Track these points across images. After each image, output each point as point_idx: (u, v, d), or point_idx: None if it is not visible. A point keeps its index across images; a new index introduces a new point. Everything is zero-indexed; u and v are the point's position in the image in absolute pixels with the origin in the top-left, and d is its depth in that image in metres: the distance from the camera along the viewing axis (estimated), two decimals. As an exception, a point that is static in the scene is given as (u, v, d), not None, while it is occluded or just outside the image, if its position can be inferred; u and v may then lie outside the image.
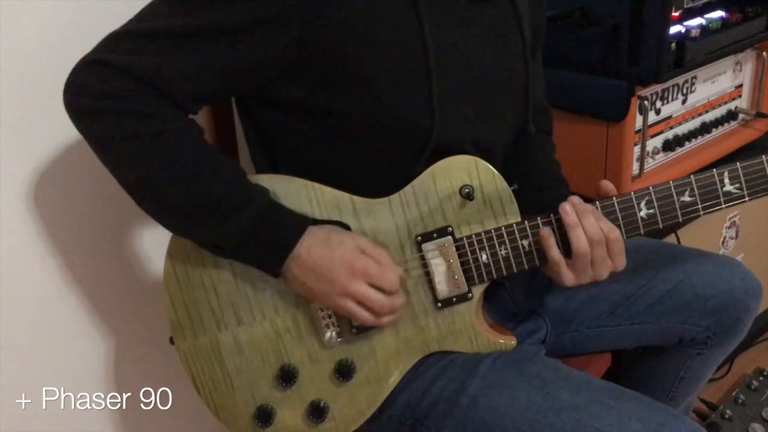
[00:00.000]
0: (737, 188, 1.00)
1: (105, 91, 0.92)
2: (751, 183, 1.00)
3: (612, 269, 1.02)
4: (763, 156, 1.00)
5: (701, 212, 1.01)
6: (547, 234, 1.02)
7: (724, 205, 1.01)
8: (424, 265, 1.05)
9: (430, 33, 0.98)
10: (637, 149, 1.55)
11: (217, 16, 0.92)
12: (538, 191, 1.16)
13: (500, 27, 1.09)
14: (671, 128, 1.63)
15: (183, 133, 0.96)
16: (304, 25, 0.93)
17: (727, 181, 1.00)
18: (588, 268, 1.01)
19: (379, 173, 1.05)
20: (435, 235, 1.04)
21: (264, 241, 0.98)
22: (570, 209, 1.01)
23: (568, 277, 1.03)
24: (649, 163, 1.60)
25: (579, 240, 1.00)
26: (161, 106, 0.94)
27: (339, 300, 1.00)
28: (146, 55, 0.93)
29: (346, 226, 1.04)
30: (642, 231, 1.02)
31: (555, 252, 1.02)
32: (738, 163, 1.00)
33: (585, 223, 1.00)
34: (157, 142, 0.94)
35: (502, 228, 1.03)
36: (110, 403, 1.39)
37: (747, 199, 1.01)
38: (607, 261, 1.01)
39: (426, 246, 1.04)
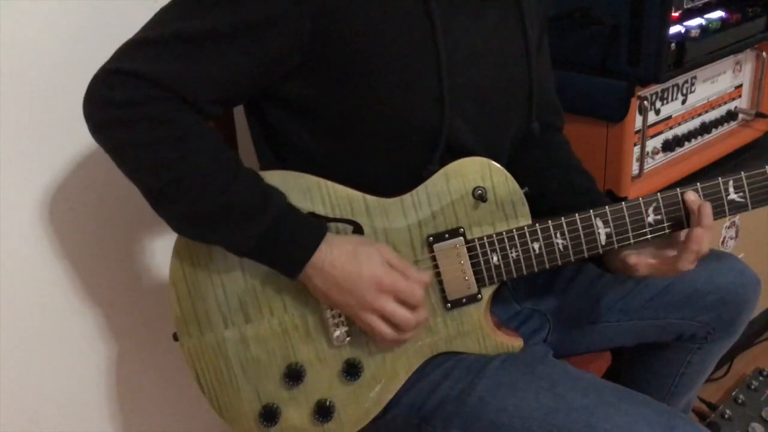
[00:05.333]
0: (741, 197, 1.08)
1: (124, 100, 0.96)
2: (754, 192, 1.08)
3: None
4: (766, 167, 1.07)
5: (706, 219, 1.08)
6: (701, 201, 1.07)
7: (728, 214, 1.08)
8: (435, 265, 1.11)
9: (441, 32, 1.03)
10: (636, 149, 1.60)
11: (230, 16, 0.96)
12: (580, 195, 1.22)
13: (504, 24, 1.14)
14: (671, 128, 1.69)
15: (202, 138, 1.00)
16: (316, 19, 0.97)
17: (731, 189, 1.08)
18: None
19: (389, 172, 1.10)
20: (447, 235, 1.10)
21: (281, 248, 1.03)
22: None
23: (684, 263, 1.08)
24: (649, 163, 1.66)
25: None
26: (180, 111, 0.98)
27: (362, 314, 1.05)
28: (163, 62, 0.96)
29: (358, 225, 1.09)
30: (649, 236, 1.09)
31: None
32: (742, 173, 1.07)
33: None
34: (177, 147, 0.98)
35: (514, 230, 1.10)
36: (113, 402, 1.43)
37: (750, 208, 1.08)
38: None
39: (437, 246, 1.10)
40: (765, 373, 1.99)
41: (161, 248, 1.47)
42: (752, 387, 1.95)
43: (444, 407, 1.11)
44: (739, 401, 1.90)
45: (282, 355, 1.13)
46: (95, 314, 1.45)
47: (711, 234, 1.06)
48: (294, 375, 1.13)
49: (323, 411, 1.14)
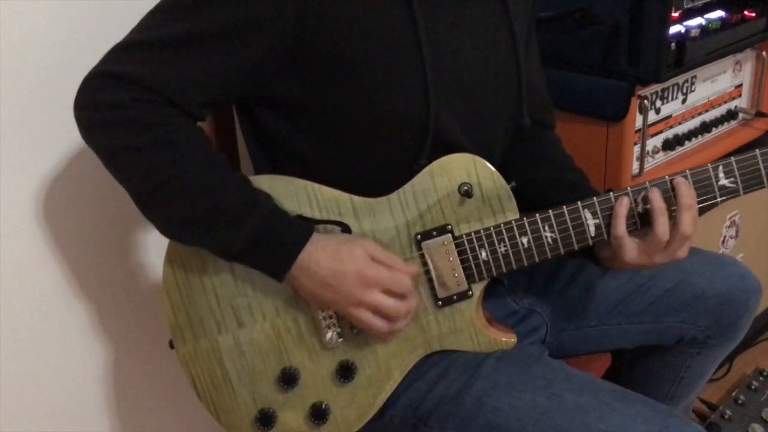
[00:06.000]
0: (732, 182, 1.07)
1: (113, 102, 0.97)
2: (745, 177, 1.07)
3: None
4: (757, 150, 1.06)
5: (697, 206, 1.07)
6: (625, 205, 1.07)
7: (719, 199, 1.08)
8: (425, 263, 1.11)
9: (423, 27, 1.04)
10: (637, 149, 1.60)
11: (216, 18, 0.98)
12: (572, 191, 1.21)
13: (490, 20, 1.15)
14: (671, 128, 1.69)
15: (191, 142, 1.01)
16: (299, 19, 0.98)
17: (721, 175, 1.07)
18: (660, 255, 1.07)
19: (382, 169, 1.10)
20: (434, 233, 1.10)
21: (267, 251, 1.04)
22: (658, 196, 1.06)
23: (632, 254, 1.08)
24: (649, 163, 1.66)
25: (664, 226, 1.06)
26: (169, 114, 0.99)
27: (352, 310, 1.05)
28: (151, 64, 0.98)
29: (346, 226, 1.10)
30: (639, 226, 1.08)
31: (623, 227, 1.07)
32: (732, 158, 1.06)
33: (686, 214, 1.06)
34: (166, 150, 0.99)
35: (501, 225, 1.09)
36: (111, 406, 1.43)
37: (741, 193, 1.07)
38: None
39: (426, 244, 1.10)
40: (765, 373, 1.99)
41: (158, 251, 1.47)
42: (752, 387, 1.94)
43: (441, 407, 1.11)
44: (739, 401, 1.90)
45: (276, 359, 1.13)
46: (92, 317, 1.45)
47: (693, 215, 1.05)
48: (288, 378, 1.13)
49: (319, 414, 1.14)
